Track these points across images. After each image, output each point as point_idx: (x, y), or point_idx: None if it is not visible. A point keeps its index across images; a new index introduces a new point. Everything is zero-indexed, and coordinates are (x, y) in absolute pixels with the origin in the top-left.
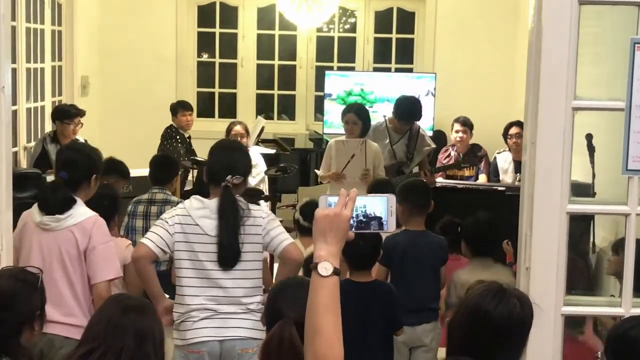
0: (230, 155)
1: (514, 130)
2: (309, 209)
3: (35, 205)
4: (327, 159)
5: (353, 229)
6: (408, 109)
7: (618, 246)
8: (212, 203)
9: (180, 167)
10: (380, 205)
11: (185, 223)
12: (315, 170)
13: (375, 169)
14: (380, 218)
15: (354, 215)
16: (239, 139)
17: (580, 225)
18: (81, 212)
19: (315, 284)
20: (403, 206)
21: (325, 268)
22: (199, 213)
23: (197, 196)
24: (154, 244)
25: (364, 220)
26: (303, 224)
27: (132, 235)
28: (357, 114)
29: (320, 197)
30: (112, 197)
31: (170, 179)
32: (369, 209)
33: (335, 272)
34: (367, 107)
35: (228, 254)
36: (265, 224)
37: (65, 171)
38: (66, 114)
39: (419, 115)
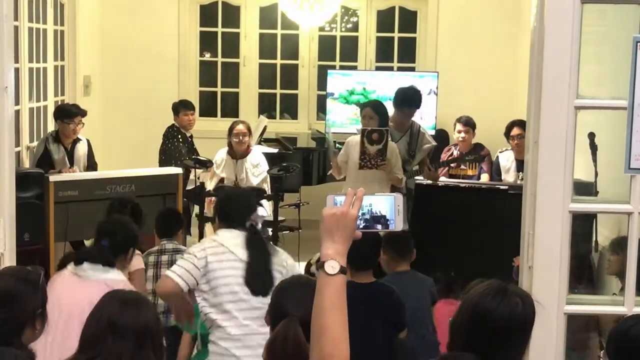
0: (242, 195)
1: (515, 131)
2: None
3: (72, 263)
4: (341, 156)
5: (360, 229)
6: (409, 95)
7: (616, 246)
8: (243, 233)
9: (182, 166)
10: (386, 204)
11: (219, 252)
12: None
13: (392, 167)
14: (385, 217)
15: (359, 215)
16: (241, 137)
17: (582, 224)
18: (117, 275)
19: (322, 283)
20: (387, 255)
21: (332, 267)
22: (233, 242)
23: (224, 229)
24: (180, 277)
25: (370, 219)
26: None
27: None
28: (373, 109)
29: (328, 196)
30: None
31: (176, 230)
32: (374, 208)
33: (342, 270)
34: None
35: (259, 284)
36: (289, 265)
37: (105, 239)
38: (66, 113)
39: (419, 101)
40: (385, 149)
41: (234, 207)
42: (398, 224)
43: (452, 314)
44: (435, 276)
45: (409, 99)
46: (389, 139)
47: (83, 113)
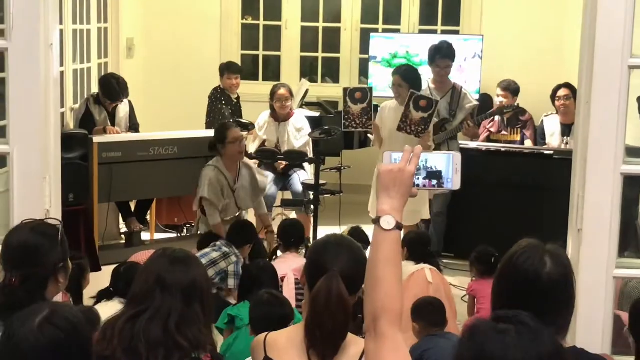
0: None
1: (562, 92)
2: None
3: None
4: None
5: (416, 186)
6: (437, 47)
7: None
8: None
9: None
10: (442, 161)
11: None
12: (369, 136)
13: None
14: (441, 172)
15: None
16: (283, 102)
17: (629, 190)
18: None
19: (378, 238)
20: (419, 325)
21: (387, 222)
22: None
23: None
24: None
25: (425, 174)
26: None
27: None
28: (402, 77)
29: (385, 153)
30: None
31: (242, 244)
32: (429, 163)
33: (398, 226)
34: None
35: None
36: None
37: None
38: (111, 95)
39: (449, 52)
40: (430, 120)
41: None
42: (456, 183)
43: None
44: (478, 251)
45: (438, 50)
46: (436, 110)
47: (127, 95)
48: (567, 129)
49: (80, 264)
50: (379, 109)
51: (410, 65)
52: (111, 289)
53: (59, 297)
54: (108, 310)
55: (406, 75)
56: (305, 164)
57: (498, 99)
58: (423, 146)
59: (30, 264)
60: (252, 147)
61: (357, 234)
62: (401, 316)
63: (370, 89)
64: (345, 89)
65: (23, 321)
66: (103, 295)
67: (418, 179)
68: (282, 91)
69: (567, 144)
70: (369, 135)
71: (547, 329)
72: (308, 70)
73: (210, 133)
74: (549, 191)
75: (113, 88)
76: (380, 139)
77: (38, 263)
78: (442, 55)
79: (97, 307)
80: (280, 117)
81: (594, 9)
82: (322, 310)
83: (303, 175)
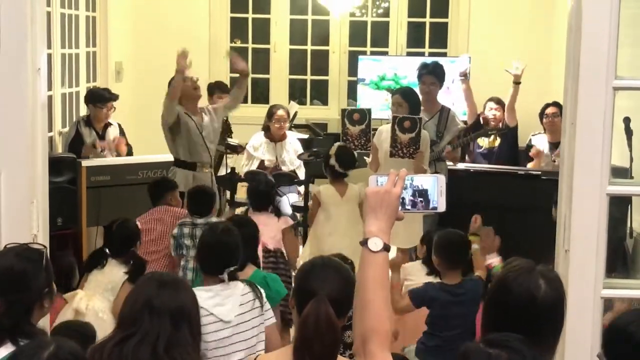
0: (224, 245)
1: (550, 110)
2: (344, 156)
3: None
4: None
5: (402, 208)
6: (425, 64)
7: None
8: (219, 288)
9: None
10: (428, 182)
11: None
12: (365, 158)
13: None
14: (427, 190)
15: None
16: (281, 123)
17: (617, 210)
18: None
19: (365, 260)
20: (439, 260)
21: (375, 244)
22: (210, 302)
23: (203, 287)
24: None
25: (411, 194)
26: (338, 170)
27: (182, 250)
28: (402, 96)
29: (370, 177)
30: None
31: (207, 211)
32: (415, 182)
33: (385, 247)
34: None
35: None
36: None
37: None
38: (100, 98)
39: (436, 70)
40: (419, 138)
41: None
42: (441, 205)
43: None
44: None
45: (424, 66)
46: (422, 127)
47: (115, 97)
48: (554, 148)
49: (69, 261)
50: (376, 132)
51: (409, 87)
52: (105, 250)
53: (45, 320)
54: (103, 278)
55: (406, 95)
56: (294, 186)
57: (491, 112)
58: (419, 169)
59: (15, 290)
60: (246, 169)
61: (344, 152)
62: (390, 337)
63: (369, 111)
64: (343, 110)
65: (30, 356)
66: (95, 260)
67: (405, 197)
68: (281, 112)
69: (554, 161)
70: (364, 157)
71: (538, 355)
72: (297, 93)
73: None
74: (537, 212)
75: (101, 93)
76: (377, 161)
77: (23, 289)
78: (428, 72)
79: (93, 275)
80: (276, 137)
81: (578, 30)
82: (311, 334)
83: (292, 197)
